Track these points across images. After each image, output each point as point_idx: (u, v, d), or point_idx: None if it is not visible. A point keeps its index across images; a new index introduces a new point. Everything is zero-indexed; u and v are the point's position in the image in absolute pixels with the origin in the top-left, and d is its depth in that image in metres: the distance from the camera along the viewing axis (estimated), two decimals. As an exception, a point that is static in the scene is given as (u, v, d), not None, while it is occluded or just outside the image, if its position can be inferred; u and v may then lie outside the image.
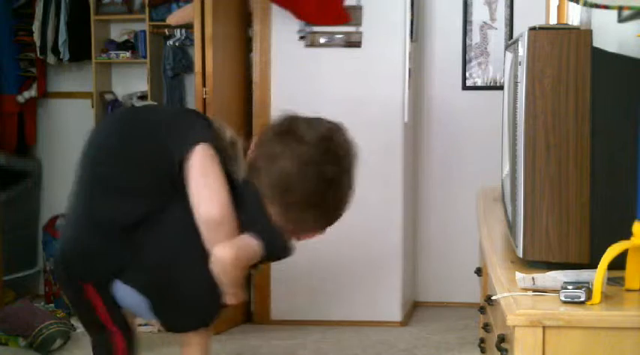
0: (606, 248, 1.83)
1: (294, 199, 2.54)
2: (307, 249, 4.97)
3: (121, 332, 2.77)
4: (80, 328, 4.64)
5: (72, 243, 2.71)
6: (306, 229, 2.68)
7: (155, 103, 5.45)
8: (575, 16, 3.78)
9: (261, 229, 2.63)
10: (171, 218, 2.63)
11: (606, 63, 2.03)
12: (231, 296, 2.73)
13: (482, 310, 2.79)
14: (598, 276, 1.80)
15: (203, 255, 2.61)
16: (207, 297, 2.74)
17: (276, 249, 2.72)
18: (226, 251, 2.57)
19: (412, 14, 5.00)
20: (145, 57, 5.57)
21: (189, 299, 2.73)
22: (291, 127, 2.61)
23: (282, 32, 4.95)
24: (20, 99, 5.77)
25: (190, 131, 2.61)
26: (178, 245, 2.66)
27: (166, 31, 5.54)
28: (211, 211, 2.53)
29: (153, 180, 2.62)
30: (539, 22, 4.69)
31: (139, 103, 5.63)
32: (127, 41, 5.72)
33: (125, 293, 2.72)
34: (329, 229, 2.71)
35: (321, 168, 2.53)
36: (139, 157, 2.64)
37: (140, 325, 4.56)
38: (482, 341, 2.81)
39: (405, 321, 5.09)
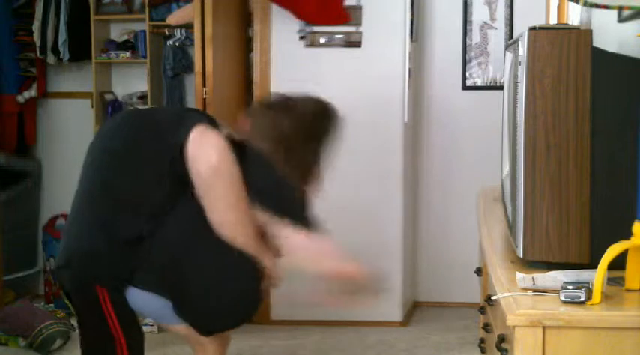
0: (606, 248, 1.83)
1: (292, 139, 2.67)
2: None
3: (127, 342, 2.72)
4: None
5: (77, 243, 2.68)
6: (311, 167, 2.78)
7: (156, 106, 5.45)
8: (575, 16, 3.78)
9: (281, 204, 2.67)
10: (174, 219, 2.63)
11: (606, 63, 2.03)
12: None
13: (482, 310, 2.79)
14: (598, 276, 1.80)
15: (216, 246, 2.62)
16: (234, 292, 2.72)
17: (309, 217, 2.75)
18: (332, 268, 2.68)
19: (412, 14, 5.00)
20: (145, 57, 5.57)
21: (212, 295, 2.69)
22: (282, 100, 2.79)
23: (282, 32, 4.95)
24: (20, 99, 5.77)
25: (188, 121, 2.63)
26: (186, 240, 2.66)
27: (166, 31, 5.54)
28: (210, 159, 2.53)
29: (157, 184, 2.63)
30: (539, 22, 4.68)
31: (139, 104, 5.63)
32: (127, 41, 5.72)
33: (145, 301, 2.68)
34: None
35: (314, 113, 2.79)
36: (143, 161, 2.65)
37: (150, 322, 4.55)
38: (482, 341, 2.81)
39: (405, 321, 5.09)
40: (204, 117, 2.73)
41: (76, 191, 2.78)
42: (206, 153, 2.54)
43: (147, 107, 5.48)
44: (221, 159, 2.54)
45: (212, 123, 2.69)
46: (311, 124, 2.73)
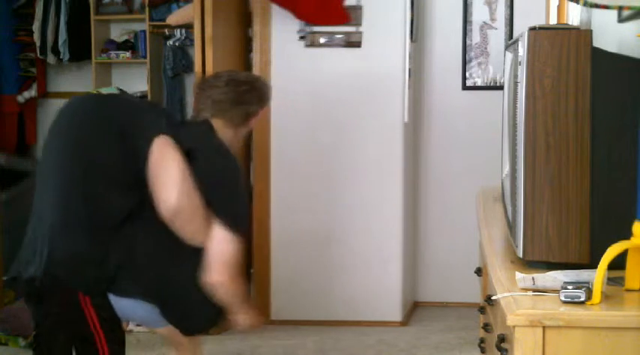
0: (606, 248, 1.83)
1: (236, 91, 2.96)
2: (307, 248, 4.98)
3: (107, 344, 2.74)
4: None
5: (54, 250, 2.65)
6: (256, 108, 3.03)
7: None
8: (575, 16, 3.78)
9: (221, 201, 2.75)
10: (151, 222, 2.67)
11: (606, 63, 2.03)
12: (245, 317, 2.88)
13: (482, 310, 2.79)
14: (598, 276, 1.80)
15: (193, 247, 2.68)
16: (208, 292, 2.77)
17: (240, 220, 2.83)
18: (220, 275, 2.70)
19: (412, 14, 4.99)
20: (145, 57, 5.57)
21: (192, 294, 2.74)
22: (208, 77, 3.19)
23: (282, 32, 4.95)
24: (20, 99, 5.78)
25: (151, 125, 2.72)
26: (168, 242, 2.69)
27: (166, 31, 5.54)
28: (168, 199, 2.61)
29: (131, 175, 2.68)
30: (539, 22, 4.68)
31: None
32: (127, 41, 5.73)
33: (131, 309, 2.72)
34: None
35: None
36: (113, 157, 2.70)
37: (139, 325, 4.56)
38: (482, 341, 2.81)
39: (405, 321, 5.09)
40: (162, 118, 2.81)
41: (37, 192, 2.77)
42: (164, 192, 2.63)
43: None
44: (180, 201, 2.63)
45: (170, 122, 2.81)
46: (240, 91, 2.99)
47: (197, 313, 2.80)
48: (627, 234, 1.84)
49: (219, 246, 2.70)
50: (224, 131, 2.92)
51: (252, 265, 5.07)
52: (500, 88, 3.07)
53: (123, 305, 2.69)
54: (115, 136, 2.70)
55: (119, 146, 2.69)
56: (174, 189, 2.61)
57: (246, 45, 5.19)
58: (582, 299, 1.78)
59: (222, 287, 2.73)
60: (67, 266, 2.64)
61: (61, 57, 5.60)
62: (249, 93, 2.97)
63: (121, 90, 5.58)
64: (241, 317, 2.88)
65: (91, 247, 2.64)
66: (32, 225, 2.79)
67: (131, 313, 2.75)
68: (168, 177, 2.63)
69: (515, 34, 4.29)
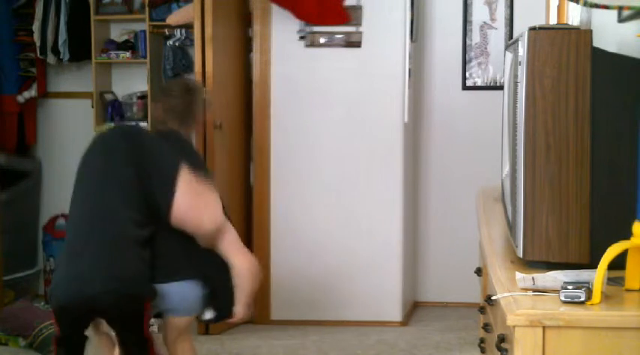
0: (606, 248, 1.83)
1: (187, 100, 3.49)
2: (308, 248, 4.98)
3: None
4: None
5: (118, 272, 2.89)
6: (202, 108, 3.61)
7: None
8: (575, 16, 3.78)
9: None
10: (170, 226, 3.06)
11: (606, 63, 2.03)
12: (242, 307, 3.13)
13: (482, 310, 2.79)
14: (598, 276, 1.80)
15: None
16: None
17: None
18: (247, 258, 3.08)
19: (412, 14, 5.00)
20: (145, 57, 5.57)
21: (225, 283, 3.06)
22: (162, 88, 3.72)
23: (282, 32, 4.95)
24: (20, 99, 5.77)
25: (168, 155, 3.11)
26: (189, 238, 3.05)
27: (166, 31, 5.54)
28: (210, 223, 2.99)
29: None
30: (539, 22, 4.68)
31: (138, 104, 5.63)
32: (127, 41, 5.72)
33: (184, 290, 3.01)
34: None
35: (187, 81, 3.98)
36: (133, 180, 3.02)
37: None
38: (482, 341, 2.81)
39: (405, 321, 5.09)
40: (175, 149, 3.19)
41: (76, 211, 3.02)
42: (208, 214, 3.01)
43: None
44: (216, 224, 3.02)
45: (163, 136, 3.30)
46: (189, 97, 3.52)
47: (228, 299, 3.09)
48: (627, 234, 1.84)
49: (232, 234, 3.07)
50: (186, 133, 3.51)
51: (252, 265, 5.08)
52: (500, 88, 3.06)
53: (171, 290, 2.98)
54: (134, 162, 3.01)
55: (138, 173, 3.00)
56: (214, 213, 3.01)
57: (246, 45, 5.19)
58: (582, 299, 1.78)
59: (252, 270, 3.09)
60: (131, 283, 2.90)
61: (61, 57, 5.59)
62: (195, 101, 3.52)
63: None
64: (241, 307, 3.11)
65: (139, 263, 2.92)
66: (71, 249, 3.00)
67: (182, 294, 3.01)
68: (207, 205, 3.00)
69: (515, 34, 4.29)
